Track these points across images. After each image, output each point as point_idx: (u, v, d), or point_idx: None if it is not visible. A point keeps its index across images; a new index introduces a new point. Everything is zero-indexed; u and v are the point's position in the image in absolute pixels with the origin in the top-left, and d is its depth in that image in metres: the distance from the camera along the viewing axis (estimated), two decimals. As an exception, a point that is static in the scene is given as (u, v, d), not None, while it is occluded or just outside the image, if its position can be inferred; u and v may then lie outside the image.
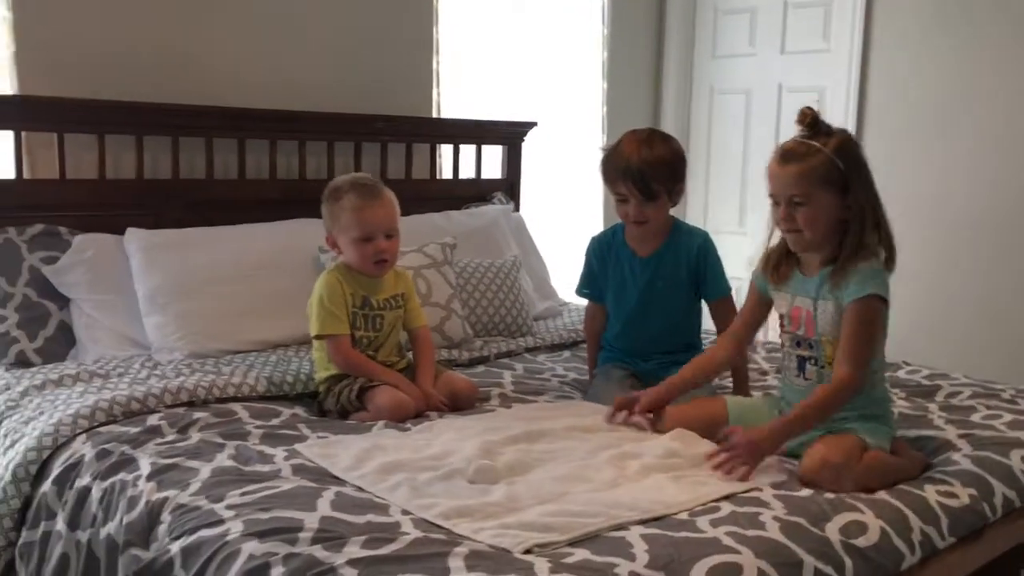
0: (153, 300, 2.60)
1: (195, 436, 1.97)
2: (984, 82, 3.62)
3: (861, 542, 1.57)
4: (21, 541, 1.92)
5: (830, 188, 1.91)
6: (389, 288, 2.36)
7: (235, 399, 2.24)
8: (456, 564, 1.38)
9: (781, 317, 2.09)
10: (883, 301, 1.91)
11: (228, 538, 1.50)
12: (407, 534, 1.49)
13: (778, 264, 2.07)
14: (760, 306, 2.16)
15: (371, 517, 1.55)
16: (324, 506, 1.58)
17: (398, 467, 1.76)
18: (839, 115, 4.04)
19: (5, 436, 2.07)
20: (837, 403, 1.89)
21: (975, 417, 2.24)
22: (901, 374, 2.68)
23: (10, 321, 2.53)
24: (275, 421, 2.13)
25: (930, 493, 1.77)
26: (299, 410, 2.25)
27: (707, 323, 2.60)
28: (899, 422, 2.17)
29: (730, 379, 2.46)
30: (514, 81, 4.01)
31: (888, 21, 3.88)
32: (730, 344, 2.20)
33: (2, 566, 1.96)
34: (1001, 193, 3.61)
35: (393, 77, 3.57)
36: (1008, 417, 2.23)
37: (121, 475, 1.80)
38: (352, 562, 1.39)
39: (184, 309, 2.60)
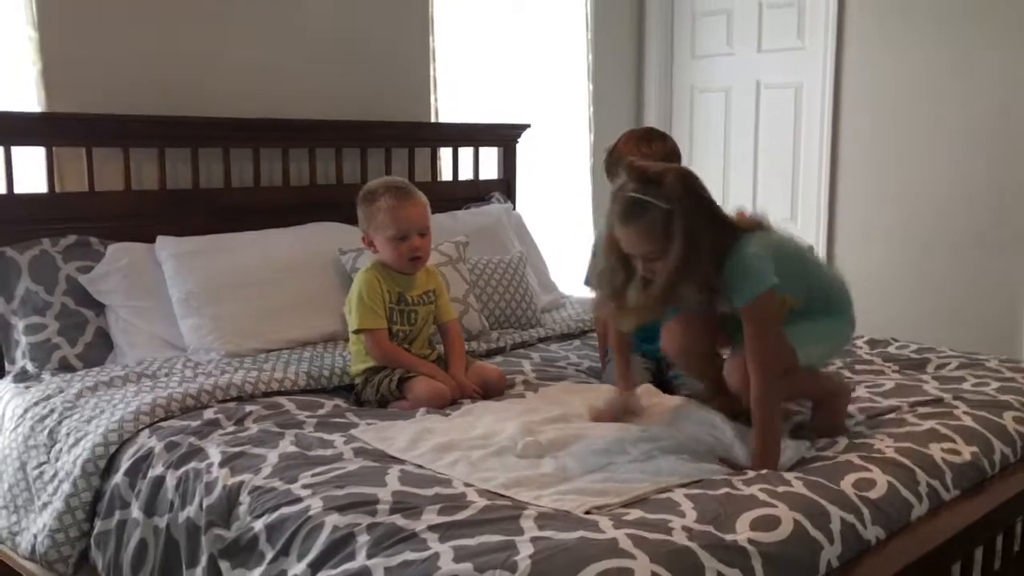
0: (188, 303, 2.73)
1: (253, 427, 2.11)
2: (951, 78, 3.84)
3: (872, 494, 1.75)
4: (96, 531, 2.04)
5: (674, 235, 1.91)
6: (422, 285, 2.51)
7: (279, 393, 2.38)
8: (528, 525, 1.54)
9: None
10: (769, 290, 1.93)
11: (310, 513, 1.64)
12: (475, 502, 1.64)
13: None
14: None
15: (438, 490, 1.70)
16: (393, 482, 1.73)
17: (451, 447, 1.91)
18: (816, 110, 4.25)
19: (68, 435, 2.19)
20: (772, 406, 1.93)
21: (966, 385, 2.44)
22: (891, 349, 2.88)
23: (51, 329, 2.64)
24: (321, 411, 2.27)
25: (935, 451, 1.95)
26: (339, 401, 2.39)
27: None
28: (893, 391, 2.37)
29: None
30: (506, 85, 4.17)
31: (860, 19, 4.09)
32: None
33: (76, 556, 2.08)
34: (970, 183, 3.83)
35: (394, 85, 3.72)
36: (996, 384, 2.42)
37: (193, 464, 1.93)
38: (432, 527, 1.54)
39: (218, 311, 2.72)
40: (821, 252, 4.28)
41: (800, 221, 4.35)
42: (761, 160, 4.49)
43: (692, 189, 1.95)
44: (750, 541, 1.50)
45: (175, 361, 2.61)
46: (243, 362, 2.59)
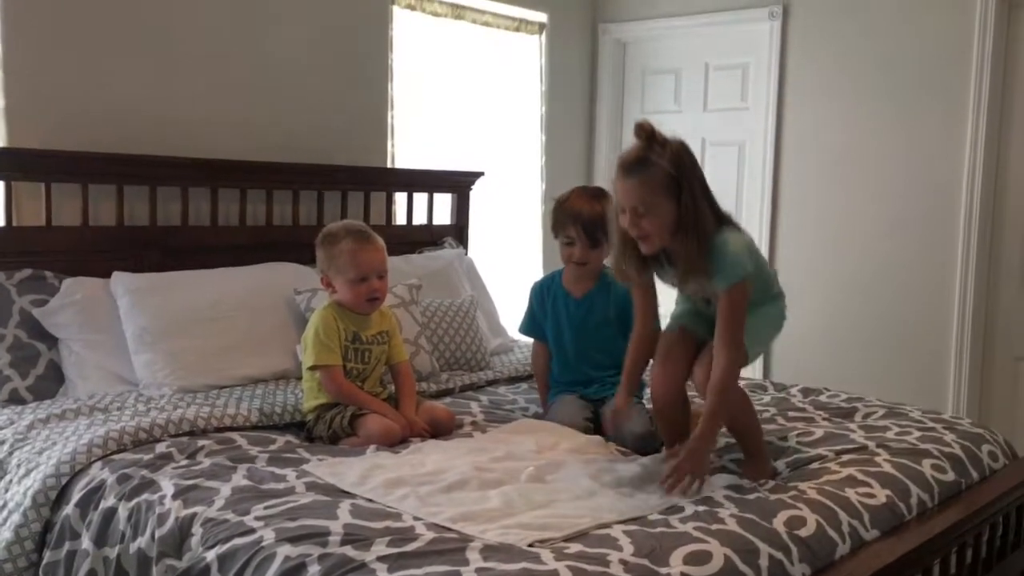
0: (141, 339, 2.76)
1: (205, 461, 2.16)
2: (885, 136, 4.05)
3: (802, 532, 1.86)
4: (45, 561, 2.06)
5: (668, 195, 2.07)
6: (376, 325, 2.59)
7: (231, 428, 2.42)
8: (474, 556, 1.61)
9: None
10: (745, 281, 2.12)
11: (263, 544, 1.70)
12: (423, 535, 1.71)
13: (636, 271, 2.26)
14: (649, 292, 2.35)
15: (388, 523, 1.77)
16: (344, 515, 1.80)
17: (401, 482, 1.98)
18: (758, 165, 4.44)
19: (19, 466, 2.22)
20: (731, 387, 2.13)
21: (889, 434, 2.57)
22: (823, 398, 3.01)
23: (2, 361, 2.66)
24: (273, 447, 2.32)
25: (851, 494, 2.07)
26: (290, 437, 2.45)
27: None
28: (823, 440, 2.49)
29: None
30: (461, 133, 4.30)
31: (799, 81, 4.30)
32: (642, 340, 2.41)
33: (24, 587, 2.10)
34: (903, 237, 4.03)
35: (352, 130, 3.82)
36: (918, 433, 2.56)
37: (145, 495, 1.97)
38: (381, 558, 1.61)
39: (172, 347, 2.76)
40: (761, 303, 4.43)
41: (741, 273, 4.51)
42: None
43: (694, 163, 2.11)
44: (682, 575, 1.59)
45: (127, 395, 2.64)
46: (195, 397, 2.63)
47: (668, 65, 4.75)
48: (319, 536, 1.69)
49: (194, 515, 1.86)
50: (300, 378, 2.78)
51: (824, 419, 2.76)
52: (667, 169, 2.05)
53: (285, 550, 1.66)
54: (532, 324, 2.92)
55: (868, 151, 4.10)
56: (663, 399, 2.32)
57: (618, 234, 2.22)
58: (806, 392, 3.08)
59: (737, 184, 4.53)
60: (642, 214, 2.09)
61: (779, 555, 1.76)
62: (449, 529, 1.76)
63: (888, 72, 4.02)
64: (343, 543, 1.67)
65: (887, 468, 2.25)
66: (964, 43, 3.82)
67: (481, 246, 4.31)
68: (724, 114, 4.57)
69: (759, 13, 4.34)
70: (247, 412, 2.50)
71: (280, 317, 3.03)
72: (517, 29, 4.52)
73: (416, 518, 1.81)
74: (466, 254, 4.03)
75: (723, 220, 2.19)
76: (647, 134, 2.09)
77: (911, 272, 4.00)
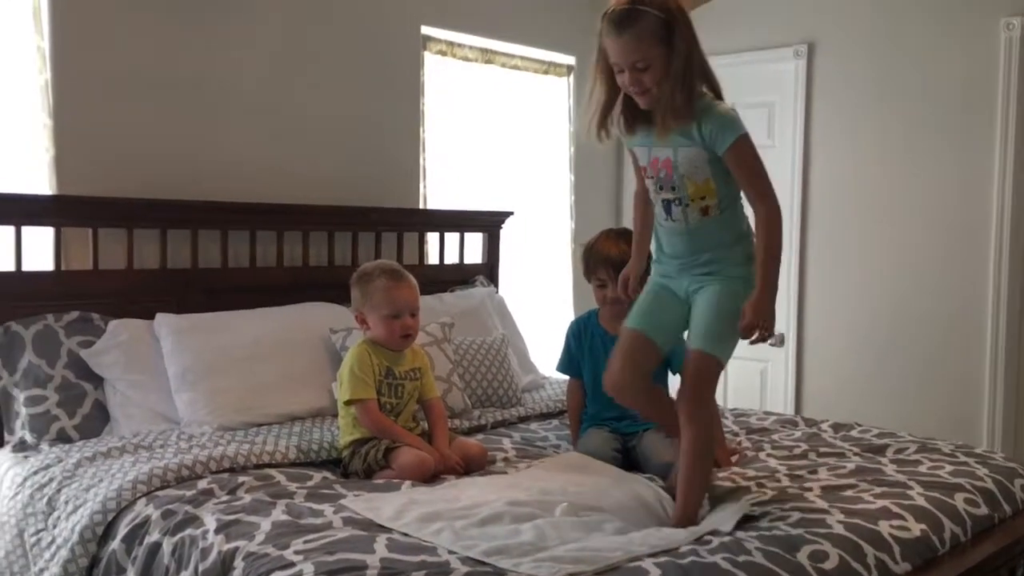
0: (184, 378, 2.85)
1: (246, 496, 2.22)
2: (913, 176, 4.08)
3: (826, 566, 1.88)
4: (92, 595, 2.13)
5: (665, 45, 2.02)
6: (409, 362, 2.66)
7: (269, 465, 2.48)
8: (507, 585, 1.65)
9: (643, 169, 2.25)
10: (747, 135, 2.10)
11: (304, 577, 1.75)
12: (458, 569, 1.76)
13: (626, 125, 2.19)
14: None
15: (424, 557, 1.81)
16: (381, 548, 1.84)
17: (436, 517, 2.03)
18: (785, 203, 4.46)
19: (67, 503, 2.29)
20: (776, 235, 2.11)
21: (922, 468, 2.58)
22: (854, 433, 3.02)
23: (51, 401, 2.75)
24: (310, 483, 2.38)
25: (883, 527, 2.08)
26: (327, 473, 2.50)
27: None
28: (853, 472, 2.51)
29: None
30: (491, 173, 4.38)
31: (823, 120, 4.34)
32: (642, 195, 2.36)
33: (72, 620, 2.16)
34: (932, 274, 4.03)
35: (385, 173, 3.92)
36: (950, 468, 2.57)
37: (189, 531, 2.03)
38: (417, 591, 1.65)
39: (212, 386, 2.84)
40: (791, 340, 4.45)
41: (771, 309, 4.53)
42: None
43: (683, 10, 2.06)
44: (711, 606, 1.62)
45: (170, 433, 2.72)
46: (235, 435, 2.70)
47: (695, 104, 4.81)
48: (357, 570, 1.74)
49: (236, 549, 1.91)
50: (336, 415, 2.84)
51: (855, 454, 2.77)
52: (658, 15, 2.01)
53: (322, 583, 1.71)
54: (569, 362, 2.97)
55: (896, 188, 4.13)
56: (614, 393, 2.32)
57: (602, 91, 2.15)
58: (837, 427, 3.10)
59: (765, 220, 4.56)
60: (642, 69, 2.03)
61: (809, 587, 1.79)
62: (483, 563, 1.80)
63: (914, 109, 4.06)
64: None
65: (920, 501, 2.27)
66: (989, 80, 3.85)
67: (512, 284, 4.37)
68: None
69: (784, 53, 4.40)
70: (285, 449, 2.57)
71: (316, 356, 3.10)
72: (546, 72, 4.61)
73: (451, 552, 1.85)
74: (497, 292, 4.10)
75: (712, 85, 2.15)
76: None
77: (942, 307, 4.00)
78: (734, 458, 2.73)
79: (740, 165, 2.12)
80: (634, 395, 2.33)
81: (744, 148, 2.11)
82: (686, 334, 2.28)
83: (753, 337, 2.12)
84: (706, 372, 2.18)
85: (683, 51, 2.03)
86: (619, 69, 2.08)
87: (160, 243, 3.18)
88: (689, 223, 2.19)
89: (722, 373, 2.26)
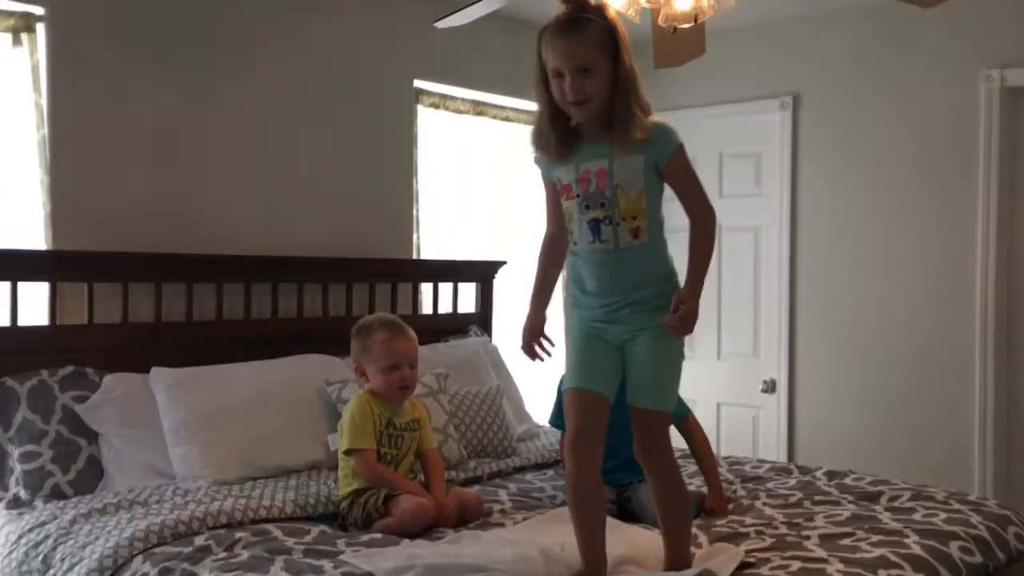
0: (178, 433, 2.85)
1: (243, 553, 2.21)
2: (887, 220, 4.15)
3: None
4: (89, 654, 2.11)
5: (608, 55, 2.04)
6: (408, 413, 2.67)
7: (266, 520, 2.48)
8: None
9: (568, 189, 2.16)
10: (683, 146, 2.12)
11: (305, 635, 1.74)
12: (460, 624, 1.75)
13: (558, 144, 2.15)
14: (554, 190, 2.24)
15: (426, 611, 1.81)
16: (383, 604, 1.84)
17: (438, 572, 2.02)
18: (774, 250, 4.53)
19: (63, 560, 2.27)
20: (713, 236, 2.16)
21: (916, 516, 2.59)
22: (847, 481, 3.04)
23: (45, 456, 2.74)
24: (308, 538, 2.37)
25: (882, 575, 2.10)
26: (324, 527, 2.50)
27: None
28: (850, 520, 2.52)
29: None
30: (484, 224, 4.42)
31: (809, 168, 4.42)
32: (555, 240, 2.30)
33: None
34: (919, 315, 4.08)
35: (379, 224, 3.96)
36: (944, 515, 2.58)
37: (188, 588, 2.02)
38: (420, 648, 1.65)
39: (208, 440, 2.84)
40: (783, 384, 4.48)
41: (762, 355, 4.57)
42: (724, 298, 4.72)
43: (626, 33, 2.09)
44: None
45: (165, 488, 2.71)
46: (231, 489, 2.70)
47: (683, 154, 4.88)
48: (359, 625, 1.74)
49: (236, 607, 1.90)
50: (332, 468, 2.84)
51: (850, 502, 2.78)
52: (604, 25, 2.05)
53: (326, 640, 1.71)
54: (560, 415, 2.98)
55: (882, 237, 4.19)
56: (584, 483, 2.15)
57: (544, 105, 2.14)
58: (831, 475, 3.11)
59: (755, 268, 4.62)
60: (586, 72, 2.04)
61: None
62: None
63: (897, 159, 4.14)
64: (381, 634, 1.71)
65: (917, 550, 2.28)
66: (971, 130, 3.94)
67: (505, 334, 4.39)
68: (739, 200, 4.68)
69: (770, 104, 4.49)
70: (281, 503, 2.56)
71: (311, 408, 3.11)
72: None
73: (455, 606, 1.85)
74: (490, 342, 4.11)
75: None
76: (579, 3, 2.08)
77: (930, 354, 4.04)
78: (730, 506, 2.74)
79: (681, 170, 2.14)
80: (596, 453, 2.20)
81: (684, 156, 2.15)
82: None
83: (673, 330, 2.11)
84: (659, 426, 2.19)
85: (627, 64, 2.07)
86: (558, 73, 2.06)
87: (155, 297, 3.19)
88: (620, 245, 2.11)
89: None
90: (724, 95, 4.59)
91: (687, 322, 2.10)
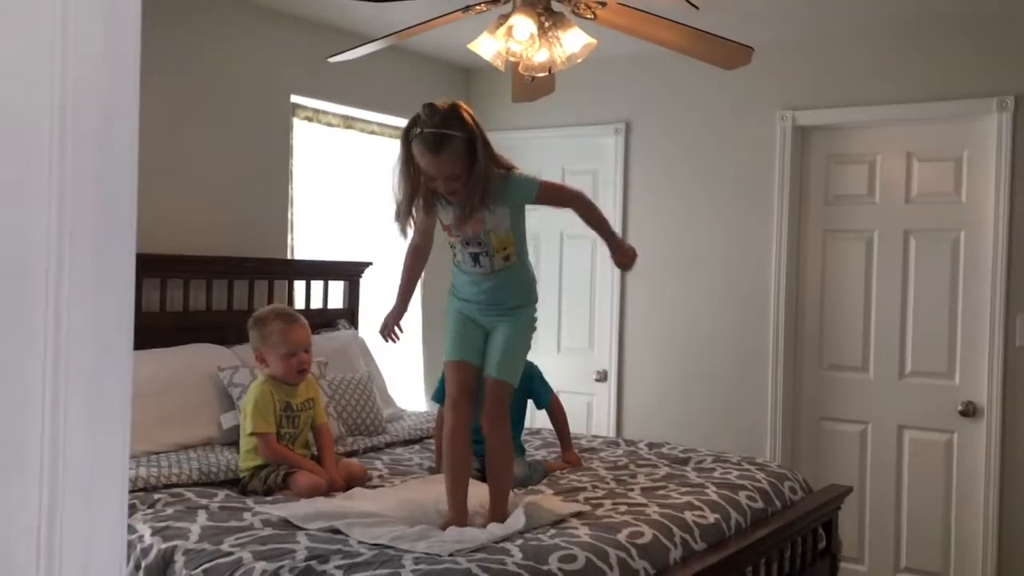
0: (87, 412, 3.15)
1: (167, 509, 2.60)
2: (706, 235, 4.88)
3: (641, 542, 2.47)
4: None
5: (469, 157, 2.48)
6: (303, 394, 3.09)
7: (177, 485, 2.86)
8: (408, 563, 2.15)
9: (449, 228, 2.67)
10: (543, 180, 2.70)
11: (243, 562, 2.17)
12: (368, 552, 2.23)
13: (426, 206, 2.63)
14: (428, 220, 2.72)
15: (340, 546, 2.28)
16: (303, 540, 2.30)
17: (343, 516, 2.49)
18: (607, 257, 5.17)
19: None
20: (593, 207, 2.77)
21: (715, 474, 3.26)
22: (664, 449, 3.69)
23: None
24: (217, 499, 2.77)
25: (688, 515, 2.72)
26: (229, 492, 2.90)
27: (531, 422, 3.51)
28: (664, 477, 3.15)
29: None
30: (353, 227, 4.86)
31: (638, 190, 5.10)
32: (419, 250, 2.88)
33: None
34: (721, 312, 4.83)
35: (258, 226, 4.33)
36: (736, 473, 3.26)
37: (128, 538, 2.40)
38: (338, 567, 2.12)
39: (115, 419, 3.16)
40: (613, 376, 5.14)
41: (596, 349, 5.21)
42: (564, 298, 5.34)
43: (472, 117, 2.53)
44: (559, 569, 2.18)
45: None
46: (139, 461, 3.04)
47: (530, 168, 5.45)
48: (288, 555, 2.19)
49: (174, 547, 2.31)
50: (225, 444, 3.23)
51: (665, 465, 3.42)
52: (464, 136, 2.47)
53: (262, 565, 2.15)
54: (442, 393, 3.47)
55: (699, 246, 4.90)
56: (461, 434, 2.68)
57: (408, 188, 2.57)
58: (651, 446, 3.76)
59: (591, 273, 5.26)
60: (455, 177, 2.49)
61: (623, 555, 2.37)
62: (386, 547, 2.28)
63: (711, 181, 4.86)
64: (307, 559, 2.17)
65: (714, 497, 2.92)
66: (768, 160, 4.70)
67: (372, 327, 4.83)
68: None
69: (606, 129, 5.13)
70: (188, 471, 2.94)
71: (206, 392, 3.47)
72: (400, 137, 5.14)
73: (360, 542, 2.32)
74: (359, 334, 4.56)
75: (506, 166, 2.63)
76: (435, 113, 2.46)
77: (734, 346, 4.79)
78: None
79: (549, 194, 2.74)
80: (470, 409, 2.74)
81: (547, 184, 2.74)
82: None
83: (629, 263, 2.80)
84: (503, 395, 2.72)
85: (482, 159, 2.50)
86: (432, 177, 2.51)
87: (56, 289, 3.45)
88: (495, 268, 2.67)
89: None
90: (568, 119, 5.20)
91: (633, 254, 2.77)
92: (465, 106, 2.57)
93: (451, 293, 2.84)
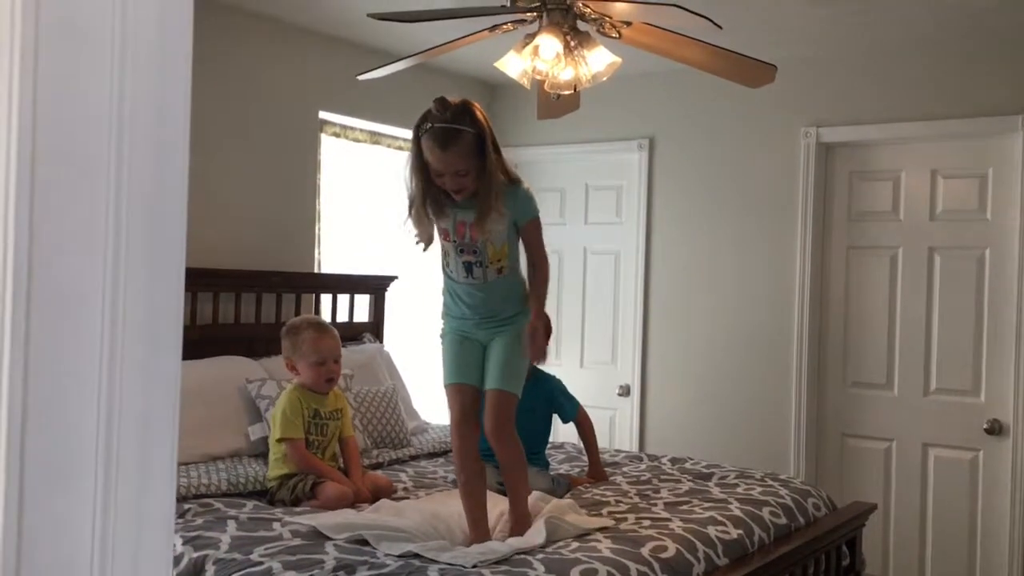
0: (119, 423, 3.21)
1: (198, 520, 2.64)
2: (729, 249, 4.89)
3: (664, 556, 2.49)
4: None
5: (478, 154, 2.48)
6: (332, 404, 3.14)
7: (206, 495, 2.90)
8: (433, 573, 2.18)
9: (446, 232, 2.69)
10: (538, 217, 2.70)
11: (274, 571, 2.21)
12: (395, 563, 2.27)
13: (435, 206, 2.64)
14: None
15: (367, 557, 2.31)
16: (331, 550, 2.33)
17: (369, 527, 2.52)
18: (631, 272, 5.21)
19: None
20: (547, 280, 2.73)
21: (738, 490, 3.27)
22: (687, 465, 3.71)
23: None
24: (246, 509, 2.82)
25: (711, 530, 2.73)
26: (257, 502, 2.94)
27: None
28: (688, 492, 3.16)
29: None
30: (379, 242, 4.91)
31: (660, 203, 5.13)
32: None
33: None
34: (747, 331, 4.83)
35: (286, 240, 4.39)
36: (760, 489, 3.27)
37: (158, 545, 2.44)
38: (366, 577, 2.16)
39: (146, 429, 3.21)
40: (636, 391, 5.15)
41: (619, 364, 5.23)
42: (587, 313, 5.37)
43: (484, 116, 2.54)
44: (585, 583, 2.21)
45: (110, 471, 3.08)
46: (170, 472, 3.09)
47: (553, 184, 5.51)
48: (317, 565, 2.22)
49: (205, 556, 2.35)
50: (252, 455, 3.28)
51: (688, 480, 3.43)
52: (474, 132, 2.48)
53: (291, 575, 2.18)
54: None
55: (722, 261, 4.92)
56: (469, 454, 2.68)
57: (419, 189, 2.61)
58: (674, 461, 3.77)
59: (614, 288, 5.28)
60: (464, 174, 2.50)
61: (644, 569, 2.38)
62: (411, 559, 2.32)
63: (733, 198, 4.88)
64: (335, 568, 2.21)
65: (737, 513, 2.93)
66: (792, 176, 4.72)
67: (396, 341, 4.89)
68: (602, 227, 5.35)
69: (630, 145, 5.17)
70: (217, 482, 2.99)
71: (233, 403, 3.52)
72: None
73: (387, 554, 2.36)
74: (384, 348, 4.60)
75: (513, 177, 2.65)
76: (448, 108, 2.47)
77: (757, 362, 4.80)
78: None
79: (533, 234, 2.72)
80: (475, 430, 2.75)
81: (537, 223, 2.74)
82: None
83: (540, 347, 2.69)
84: (507, 405, 2.72)
85: (493, 156, 2.52)
86: (439, 173, 2.52)
87: (89, 302, 3.52)
88: (487, 280, 2.66)
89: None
90: (592, 136, 5.24)
91: (535, 336, 2.67)
92: (477, 104, 2.58)
93: (443, 316, 2.86)
